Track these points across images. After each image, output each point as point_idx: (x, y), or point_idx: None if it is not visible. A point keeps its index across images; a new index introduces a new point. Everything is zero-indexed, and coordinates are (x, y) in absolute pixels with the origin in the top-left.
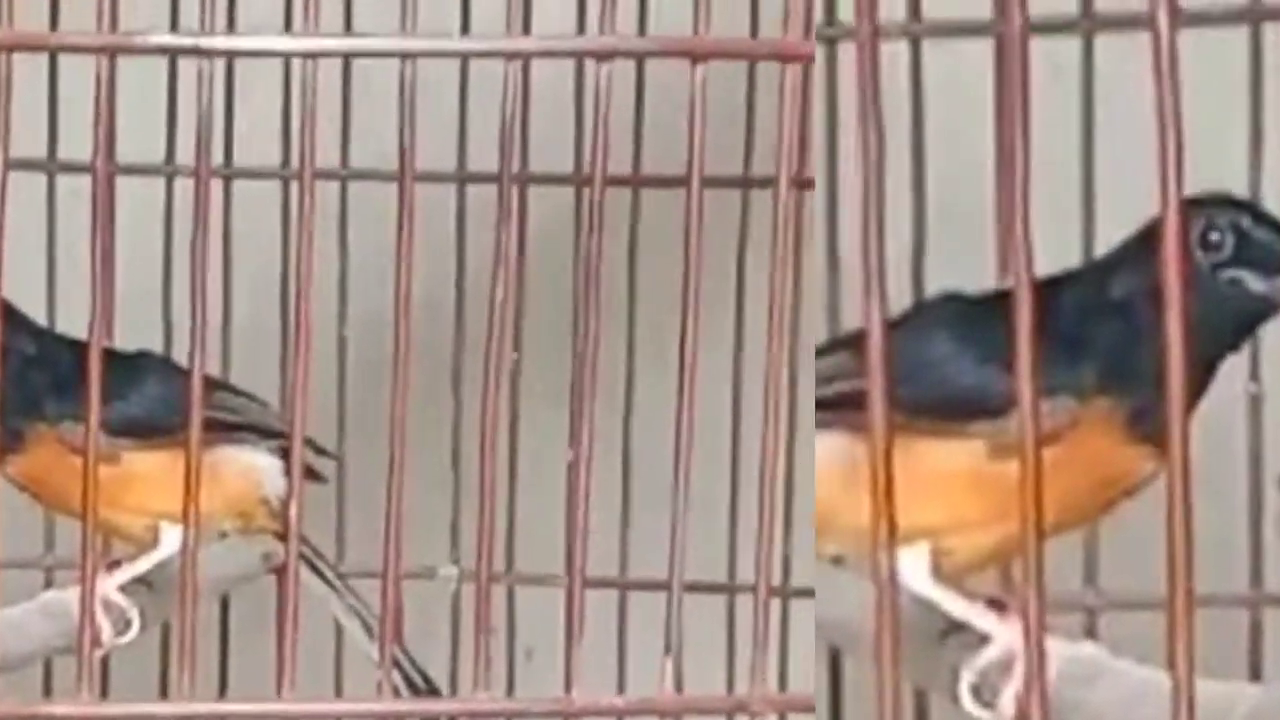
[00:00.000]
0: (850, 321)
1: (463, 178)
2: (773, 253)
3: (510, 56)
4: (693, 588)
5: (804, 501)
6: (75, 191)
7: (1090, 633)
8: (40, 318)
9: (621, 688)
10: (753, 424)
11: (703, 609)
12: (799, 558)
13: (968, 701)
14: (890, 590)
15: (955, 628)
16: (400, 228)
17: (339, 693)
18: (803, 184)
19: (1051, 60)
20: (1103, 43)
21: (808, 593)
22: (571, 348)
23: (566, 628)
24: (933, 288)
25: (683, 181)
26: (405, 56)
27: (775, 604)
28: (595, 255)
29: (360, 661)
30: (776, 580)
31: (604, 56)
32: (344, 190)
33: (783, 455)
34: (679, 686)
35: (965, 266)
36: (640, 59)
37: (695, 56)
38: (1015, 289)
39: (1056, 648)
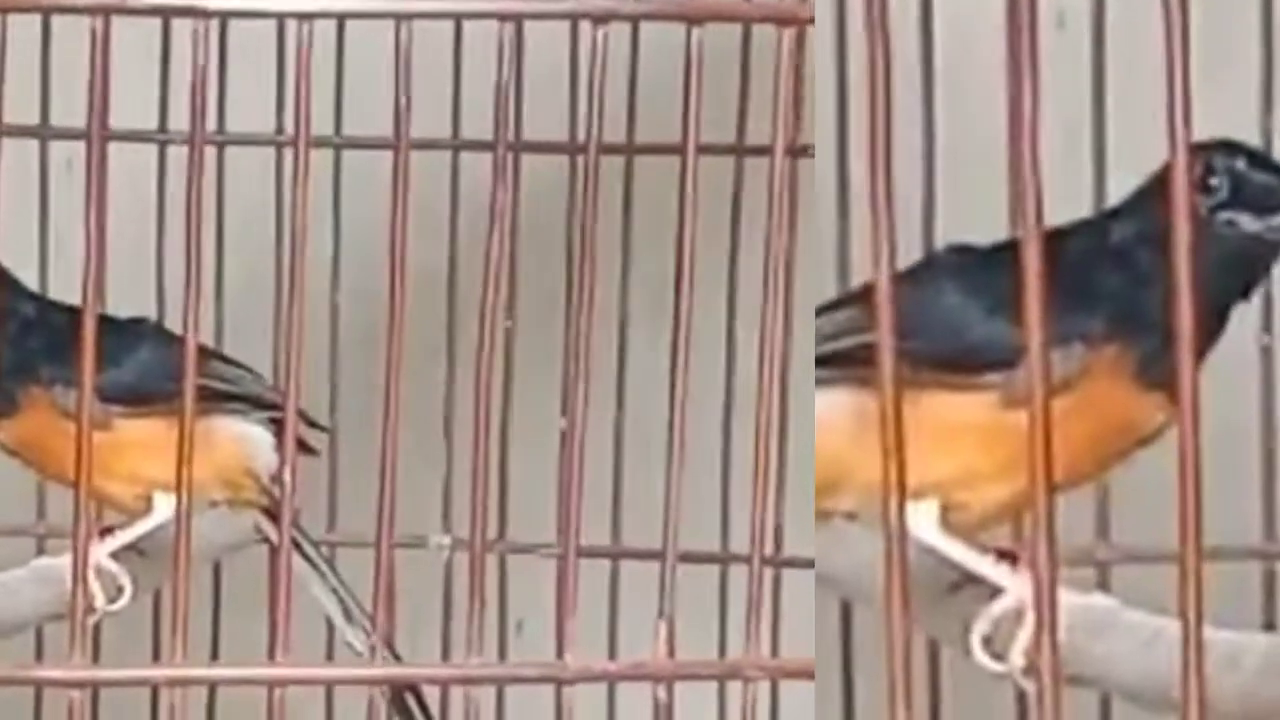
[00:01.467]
0: (862, 279)
1: (457, 145)
2: (769, 220)
3: (504, 18)
4: (686, 557)
5: (798, 470)
6: (68, 158)
7: (1102, 585)
8: (33, 284)
9: (613, 657)
10: (746, 393)
11: (695, 579)
12: (792, 527)
13: (979, 653)
14: (900, 544)
15: (967, 580)
16: (395, 194)
17: (330, 659)
18: (797, 151)
19: (1055, 8)
20: None
21: (801, 562)
22: (564, 316)
23: (559, 594)
24: (943, 241)
25: (677, 149)
26: (400, 18)
27: (769, 573)
28: (590, 223)
29: None
30: (769, 550)
31: (599, 19)
32: (338, 157)
33: (776, 424)
34: (671, 652)
35: (976, 219)
36: (635, 22)
37: (691, 20)
38: (1023, 239)
39: (1068, 599)
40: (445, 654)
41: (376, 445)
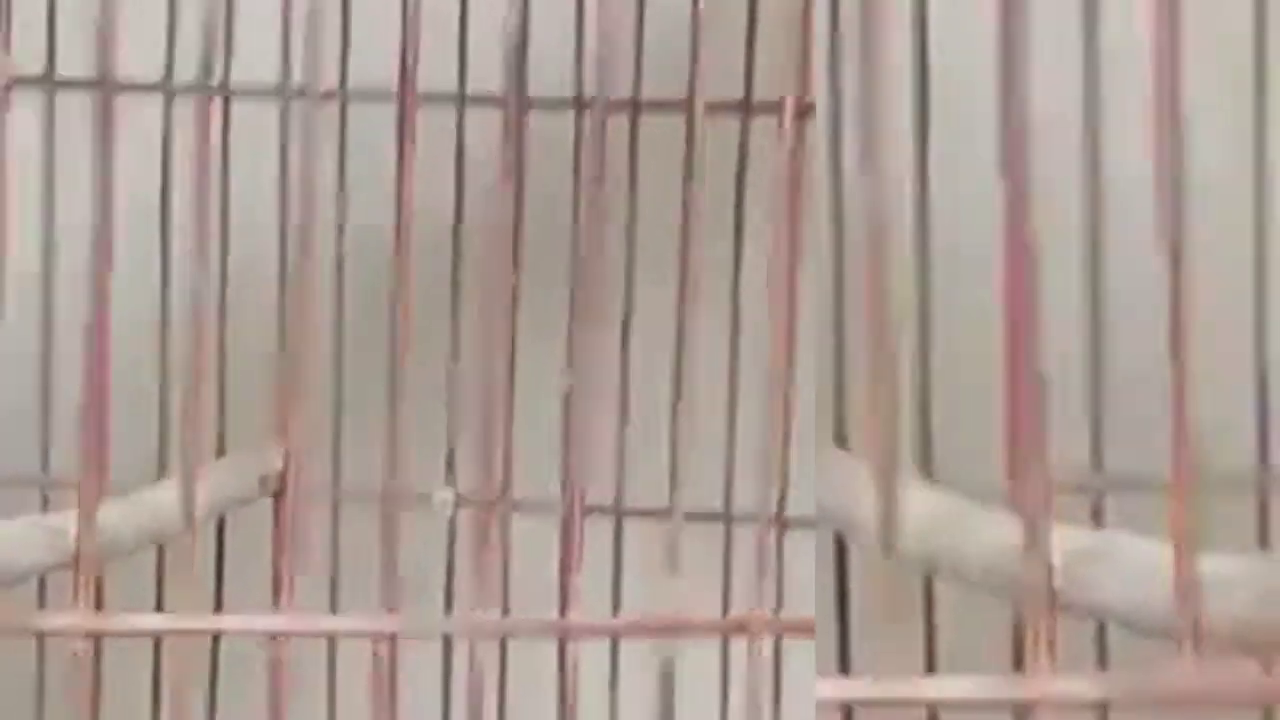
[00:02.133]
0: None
1: (462, 98)
2: (774, 180)
3: None
4: (689, 515)
5: (802, 429)
6: (72, 109)
7: (1096, 514)
8: (37, 239)
9: (616, 614)
10: (751, 351)
11: (698, 538)
12: (795, 487)
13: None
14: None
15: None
16: (401, 148)
17: (333, 609)
18: (804, 110)
19: None
20: None
21: (804, 521)
22: (569, 273)
23: (563, 550)
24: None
25: (683, 106)
26: None
27: (773, 531)
28: (598, 180)
29: (355, 582)
30: (775, 507)
31: None
32: (343, 110)
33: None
34: (676, 607)
35: (966, 169)
36: None
37: None
38: (1009, 198)
39: (1060, 530)
40: (448, 611)
41: (380, 401)
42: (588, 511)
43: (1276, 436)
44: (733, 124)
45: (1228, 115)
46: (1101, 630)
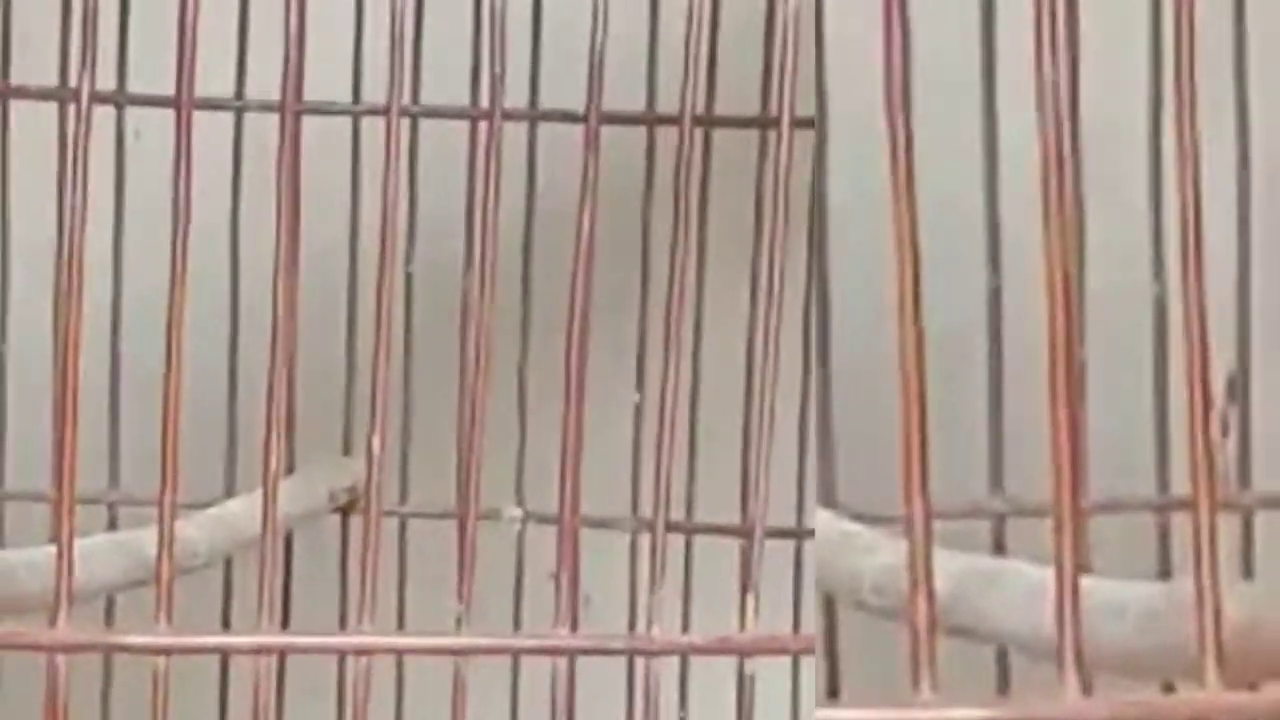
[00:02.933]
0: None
1: (536, 115)
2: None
3: None
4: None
5: None
6: (136, 127)
7: (998, 539)
8: (106, 251)
9: (686, 632)
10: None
11: (770, 556)
12: None
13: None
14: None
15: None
16: (482, 163)
17: (401, 627)
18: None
19: None
20: None
21: None
22: (640, 290)
23: (639, 567)
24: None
25: (757, 122)
26: None
27: None
28: (687, 198)
29: (422, 599)
30: None
31: None
32: (414, 126)
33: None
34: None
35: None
36: None
37: None
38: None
39: (951, 554)
40: (516, 628)
41: (449, 416)
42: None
43: (1176, 461)
44: (804, 140)
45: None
46: (1003, 654)
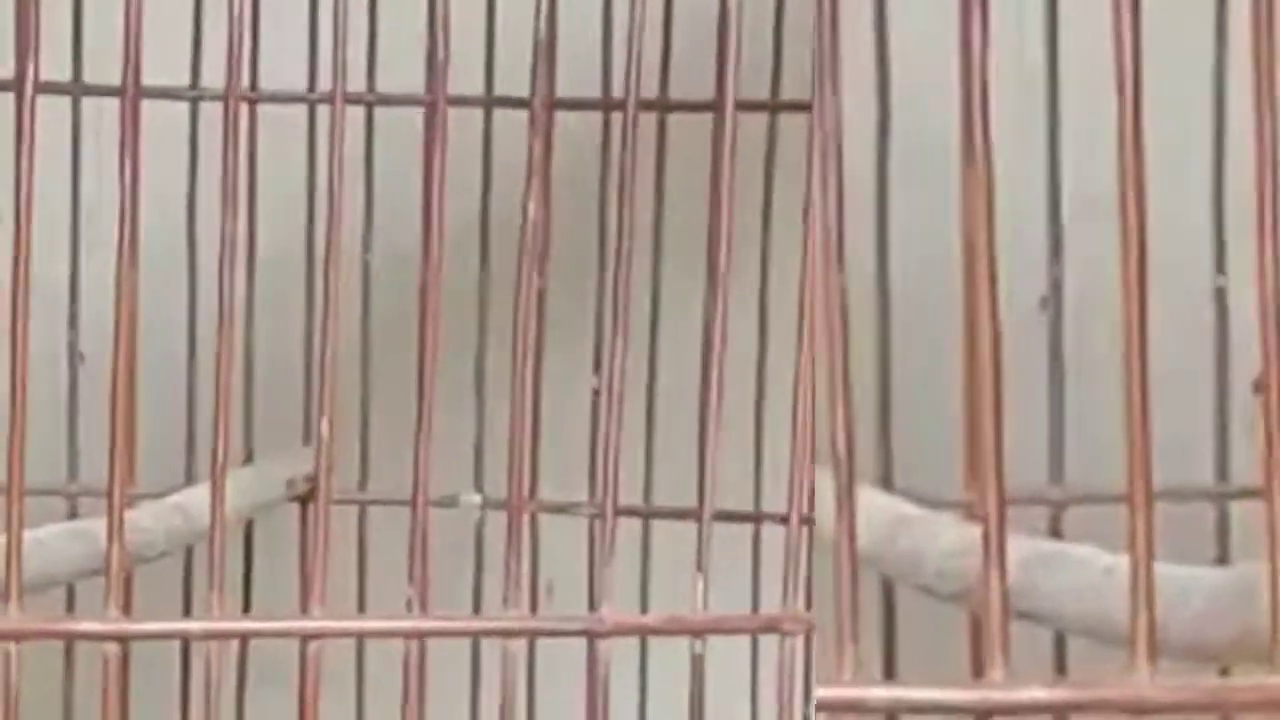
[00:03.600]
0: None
1: (490, 101)
2: (808, 178)
3: None
4: (719, 516)
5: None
6: (100, 115)
7: (1055, 528)
8: (65, 247)
9: (645, 613)
10: (779, 351)
11: (727, 538)
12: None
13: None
14: (849, 483)
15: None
16: (430, 152)
17: (361, 612)
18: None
19: None
20: None
21: None
22: (596, 274)
23: (594, 549)
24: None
25: (710, 106)
26: None
27: (804, 530)
28: (630, 182)
29: (382, 585)
30: (806, 507)
31: None
32: (370, 115)
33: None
34: (707, 606)
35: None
36: None
37: None
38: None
39: (1016, 539)
40: (477, 613)
41: (407, 404)
42: (617, 512)
43: (1236, 450)
44: (760, 123)
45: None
46: (1060, 637)
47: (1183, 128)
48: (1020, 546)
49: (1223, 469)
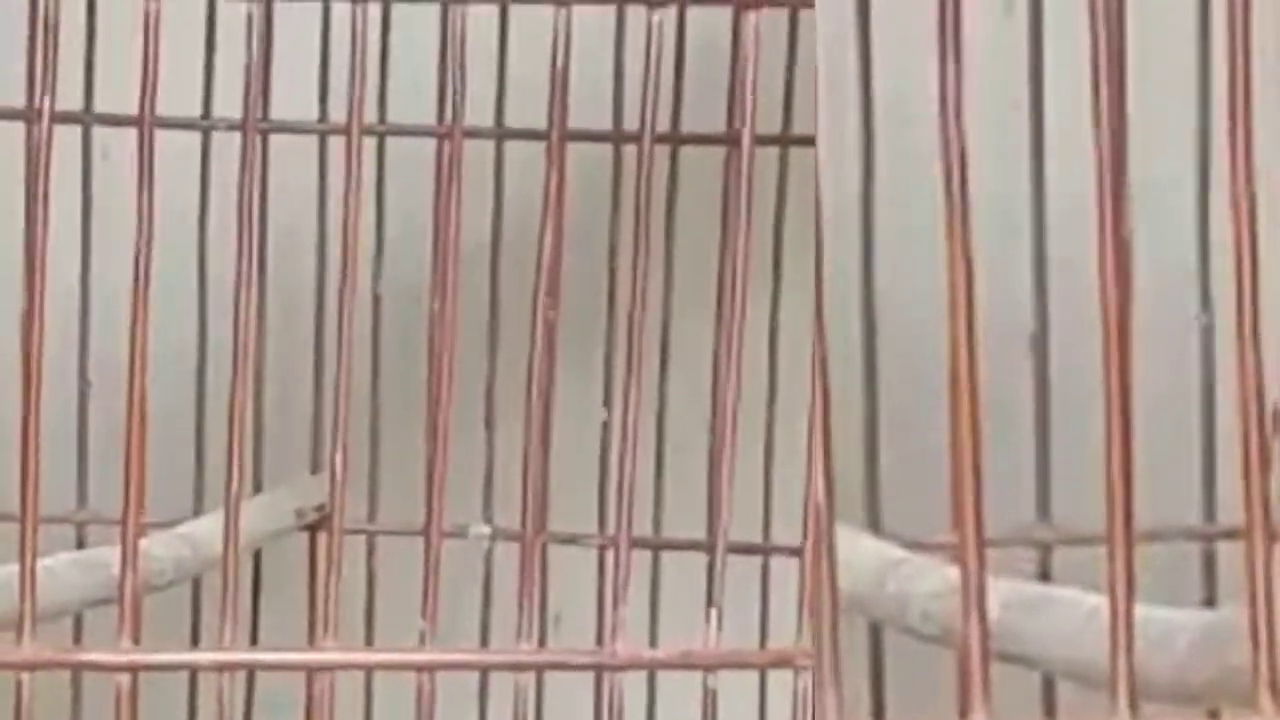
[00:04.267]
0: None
1: (502, 133)
2: (816, 211)
3: (558, 2)
4: (729, 548)
5: None
6: (104, 146)
7: (1044, 567)
8: (73, 273)
9: (654, 647)
10: (790, 384)
11: (735, 570)
12: None
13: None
14: (829, 527)
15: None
16: (445, 182)
17: (369, 644)
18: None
19: None
20: None
21: None
22: (608, 307)
23: (605, 582)
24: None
25: (722, 140)
26: (449, 2)
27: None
28: (643, 213)
29: (390, 615)
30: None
31: (654, 3)
32: (381, 146)
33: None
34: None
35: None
36: (683, 7)
37: (742, 4)
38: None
39: (1000, 581)
40: (484, 644)
41: (417, 435)
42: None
43: (1222, 489)
44: (771, 157)
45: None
46: (1049, 679)
47: (1167, 161)
48: (1003, 589)
49: (1209, 509)
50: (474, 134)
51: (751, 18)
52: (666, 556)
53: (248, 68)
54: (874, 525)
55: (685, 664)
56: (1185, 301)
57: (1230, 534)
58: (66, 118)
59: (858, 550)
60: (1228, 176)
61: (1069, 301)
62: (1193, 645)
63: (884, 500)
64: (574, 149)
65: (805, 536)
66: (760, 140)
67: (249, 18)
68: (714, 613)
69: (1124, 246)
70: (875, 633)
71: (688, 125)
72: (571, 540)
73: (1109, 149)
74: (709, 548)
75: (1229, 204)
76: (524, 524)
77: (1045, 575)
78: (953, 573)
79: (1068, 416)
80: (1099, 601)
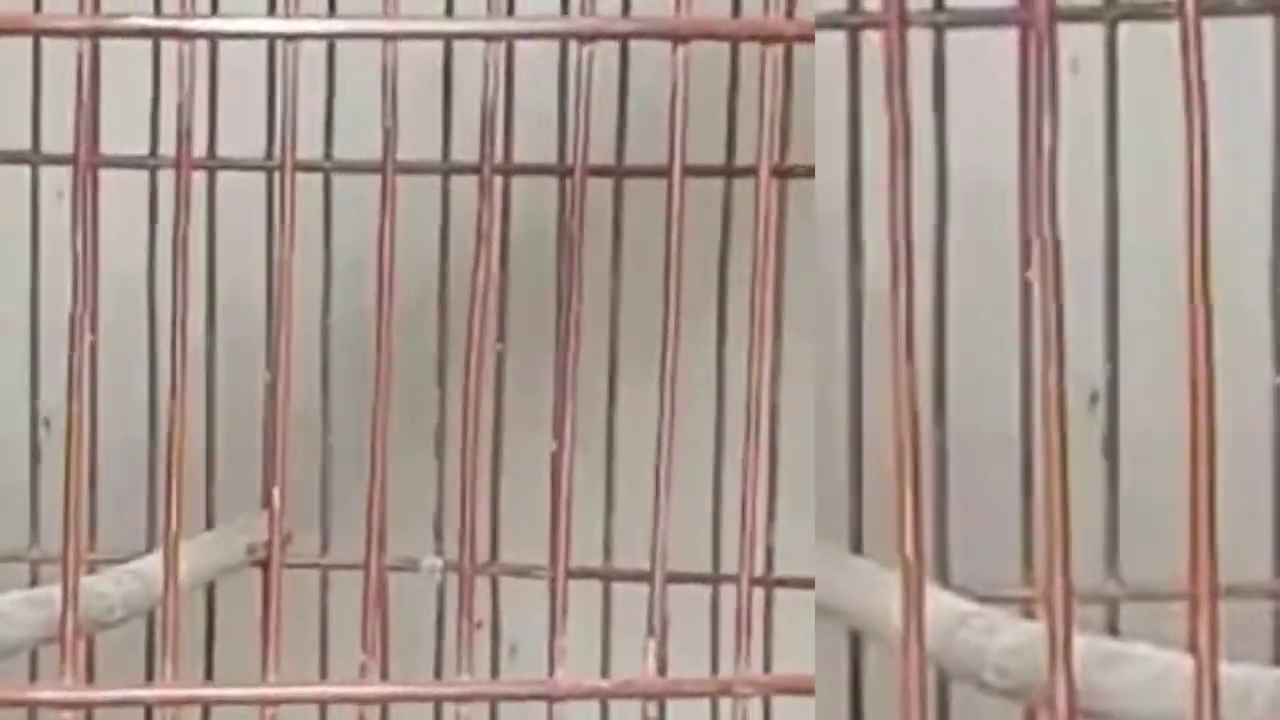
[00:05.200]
0: (873, 311)
1: (447, 169)
2: (755, 243)
3: (492, 38)
4: (677, 577)
5: (791, 491)
6: (59, 188)
7: (1111, 623)
8: (24, 313)
9: (605, 677)
10: (737, 414)
11: (687, 600)
12: (782, 548)
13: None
14: (918, 577)
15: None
16: (382, 216)
17: (324, 678)
18: (784, 172)
19: (1069, 53)
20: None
21: (794, 582)
22: (555, 339)
23: (550, 612)
24: (955, 277)
25: (665, 172)
26: (387, 38)
27: (759, 594)
28: (578, 245)
29: (344, 649)
30: (760, 570)
31: (587, 38)
32: (327, 181)
33: (766, 447)
34: (662, 670)
35: (987, 256)
36: (624, 41)
37: (677, 38)
38: (1040, 282)
39: (1076, 637)
40: (438, 676)
41: (367, 468)
42: (576, 575)
43: None
44: (714, 189)
45: None
46: None
47: (1241, 218)
48: (1079, 645)
49: None
50: (416, 169)
51: (680, 52)
52: (619, 588)
53: (181, 100)
54: (943, 578)
55: (628, 693)
56: (1259, 361)
57: None
58: (11, 157)
59: (930, 604)
60: None
61: (1136, 360)
62: (1271, 703)
63: (952, 553)
64: (522, 183)
65: (741, 560)
66: (701, 171)
67: (180, 55)
68: (652, 643)
69: (1207, 308)
70: (942, 686)
71: (634, 159)
72: (523, 572)
73: (1199, 208)
74: (650, 578)
75: None
76: (461, 554)
77: (1113, 631)
78: (1031, 627)
79: (1134, 468)
80: (1172, 658)
